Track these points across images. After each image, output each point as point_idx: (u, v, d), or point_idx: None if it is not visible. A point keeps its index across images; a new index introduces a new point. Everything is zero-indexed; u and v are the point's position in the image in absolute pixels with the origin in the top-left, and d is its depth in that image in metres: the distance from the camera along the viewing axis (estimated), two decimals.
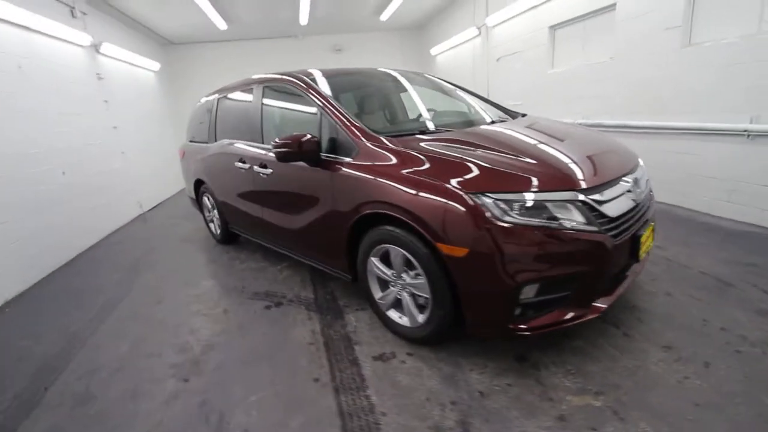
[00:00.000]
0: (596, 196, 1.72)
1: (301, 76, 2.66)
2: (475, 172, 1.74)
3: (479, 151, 1.92)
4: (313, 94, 2.47)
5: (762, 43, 2.99)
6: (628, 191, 1.89)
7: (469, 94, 3.18)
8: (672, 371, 1.78)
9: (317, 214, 2.44)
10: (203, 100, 4.26)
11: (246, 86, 3.30)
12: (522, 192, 1.65)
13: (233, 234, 4.05)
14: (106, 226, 5.18)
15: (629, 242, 1.82)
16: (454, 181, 1.73)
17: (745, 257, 2.76)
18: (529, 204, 1.64)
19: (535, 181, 1.68)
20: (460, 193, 1.68)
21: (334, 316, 2.52)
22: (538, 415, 1.61)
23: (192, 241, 4.57)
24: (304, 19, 7.47)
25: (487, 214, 1.62)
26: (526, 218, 1.63)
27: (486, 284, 1.67)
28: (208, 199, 4.17)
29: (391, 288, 2.16)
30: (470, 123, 2.59)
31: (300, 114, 2.72)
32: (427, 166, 1.86)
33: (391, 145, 2.06)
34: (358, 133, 2.17)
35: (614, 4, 4.25)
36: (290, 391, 1.89)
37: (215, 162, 3.68)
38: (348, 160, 2.18)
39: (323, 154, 2.30)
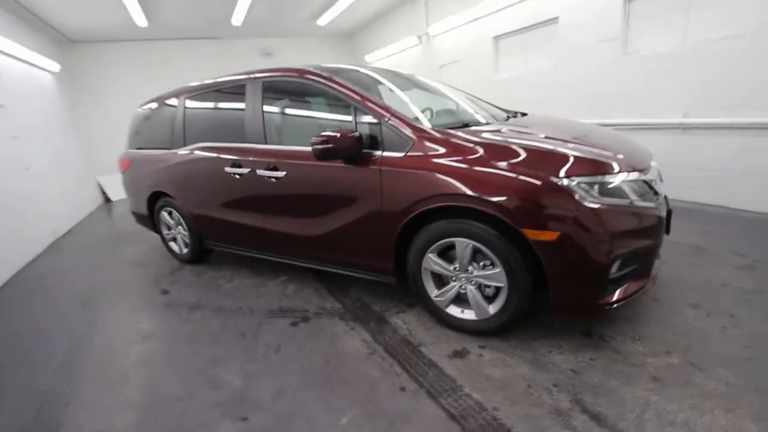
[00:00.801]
0: (649, 177, 1.91)
1: (318, 71, 2.47)
2: (553, 158, 1.81)
3: (540, 140, 1.98)
4: (343, 89, 2.30)
5: (688, 53, 3.65)
6: (659, 172, 2.14)
7: (464, 94, 3.29)
8: (710, 324, 2.05)
9: (356, 215, 2.28)
10: (150, 104, 3.72)
11: (232, 83, 2.95)
12: (601, 174, 1.76)
13: (205, 251, 3.58)
14: (16, 260, 4.15)
15: (665, 217, 2.05)
16: (535, 168, 1.77)
17: (697, 227, 3.31)
18: (609, 185, 1.75)
19: (609, 164, 1.80)
20: (548, 178, 1.72)
21: (377, 323, 2.37)
22: (635, 380, 1.71)
23: (147, 264, 3.90)
24: (238, 19, 6.98)
25: (576, 197, 1.69)
26: (605, 198, 1.74)
27: (579, 264, 1.73)
28: (170, 214, 3.62)
29: (451, 283, 2.11)
30: (485, 120, 2.66)
31: (321, 110, 2.53)
32: (500, 155, 1.86)
33: (449, 137, 2.02)
34: (410, 128, 2.09)
35: (556, 18, 4.80)
36: (381, 405, 1.72)
37: (188, 169, 3.22)
38: (399, 155, 2.08)
39: (365, 151, 2.17)
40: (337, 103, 2.35)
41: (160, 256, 4.06)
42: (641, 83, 4.07)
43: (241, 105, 2.83)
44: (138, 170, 3.79)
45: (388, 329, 2.29)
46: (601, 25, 4.30)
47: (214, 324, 2.58)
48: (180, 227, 3.61)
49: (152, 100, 3.78)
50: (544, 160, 1.80)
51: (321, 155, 2.13)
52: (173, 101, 3.46)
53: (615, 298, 1.81)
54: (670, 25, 3.78)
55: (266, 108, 2.69)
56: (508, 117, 2.77)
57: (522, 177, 1.76)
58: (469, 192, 1.85)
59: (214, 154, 2.96)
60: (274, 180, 2.59)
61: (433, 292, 2.19)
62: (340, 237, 2.41)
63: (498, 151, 1.89)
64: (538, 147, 1.88)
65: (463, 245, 1.98)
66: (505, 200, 1.77)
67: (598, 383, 1.72)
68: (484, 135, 2.05)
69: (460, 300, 2.13)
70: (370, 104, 2.20)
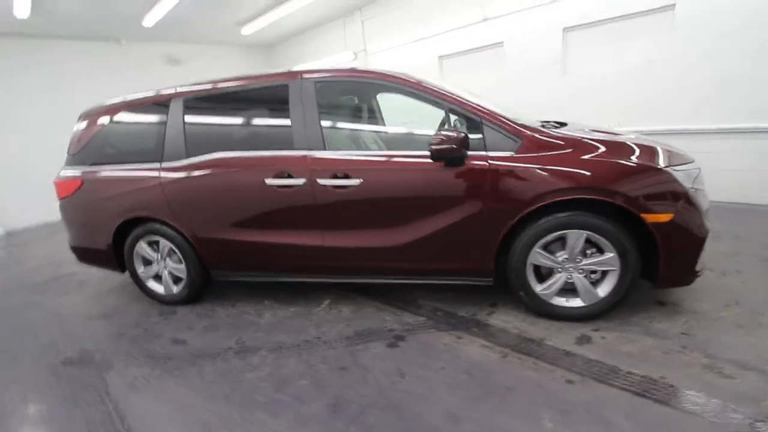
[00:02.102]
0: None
1: (398, 74, 2.37)
2: (654, 151, 2.09)
3: (626, 139, 2.24)
4: (437, 92, 2.27)
5: (618, 73, 4.57)
6: None
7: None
8: (732, 280, 2.59)
9: (456, 217, 2.22)
10: (107, 112, 2.98)
11: (261, 84, 2.59)
12: (686, 164, 2.11)
13: (205, 286, 2.99)
14: None
15: None
16: (646, 160, 2.03)
17: None
18: (691, 173, 2.11)
19: (684, 156, 2.17)
20: (660, 167, 2.00)
21: (479, 327, 2.33)
22: (728, 331, 2.07)
23: (110, 315, 3.02)
24: (152, 20, 6.00)
25: (682, 183, 2.00)
26: (689, 184, 2.09)
27: (687, 240, 2.04)
28: (152, 244, 2.92)
29: (557, 274, 2.23)
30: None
31: (403, 114, 2.39)
32: (609, 150, 2.07)
33: (553, 136, 2.16)
34: (516, 128, 2.16)
35: (502, 42, 5.45)
36: (565, 400, 1.71)
37: (199, 185, 2.64)
38: (508, 154, 2.13)
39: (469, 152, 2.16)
40: (426, 106, 2.29)
41: (123, 302, 3.21)
42: (580, 98, 4.90)
43: (282, 108, 2.50)
44: (98, 192, 2.94)
45: (496, 331, 2.28)
46: (544, 50, 5.06)
47: (291, 363, 2.17)
48: (168, 260, 2.92)
49: (113, 106, 3.00)
50: (648, 154, 2.07)
51: (438, 156, 2.04)
52: (156, 106, 2.82)
53: (701, 267, 2.17)
54: (601, 51, 4.68)
55: (326, 112, 2.43)
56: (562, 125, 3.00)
57: (640, 169, 2.00)
58: (593, 185, 2.01)
59: (247, 165, 2.52)
60: (343, 189, 2.35)
61: (537, 286, 2.27)
62: (432, 243, 2.31)
63: (603, 147, 2.10)
64: (634, 143, 2.15)
65: (576, 236, 2.12)
66: (629, 190, 1.98)
67: (710, 338, 2.02)
68: (585, 133, 2.24)
69: (562, 290, 2.26)
70: (471, 107, 2.21)
